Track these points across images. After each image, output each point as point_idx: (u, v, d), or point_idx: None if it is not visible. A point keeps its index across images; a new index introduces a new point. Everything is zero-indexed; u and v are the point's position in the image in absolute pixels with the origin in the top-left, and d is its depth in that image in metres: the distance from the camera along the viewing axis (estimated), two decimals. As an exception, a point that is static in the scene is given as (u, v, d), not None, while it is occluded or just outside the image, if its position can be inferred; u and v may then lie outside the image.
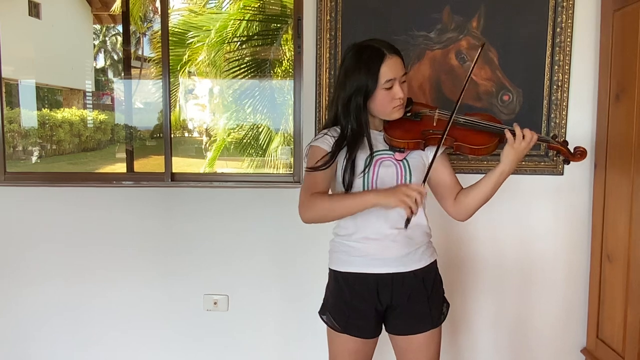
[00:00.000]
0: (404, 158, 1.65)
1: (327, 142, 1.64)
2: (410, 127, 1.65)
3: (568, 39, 2.44)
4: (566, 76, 2.46)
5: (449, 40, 2.48)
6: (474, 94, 2.49)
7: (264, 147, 5.49)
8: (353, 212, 1.57)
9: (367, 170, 1.62)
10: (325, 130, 1.68)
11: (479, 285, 2.61)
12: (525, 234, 2.58)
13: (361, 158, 1.62)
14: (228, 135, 5.92)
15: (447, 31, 2.47)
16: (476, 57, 1.63)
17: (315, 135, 1.76)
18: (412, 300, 1.68)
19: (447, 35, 2.48)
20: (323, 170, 1.60)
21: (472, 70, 1.61)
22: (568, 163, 1.63)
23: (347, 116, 1.62)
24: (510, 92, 2.49)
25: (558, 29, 2.44)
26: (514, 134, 1.56)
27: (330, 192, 1.69)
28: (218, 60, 5.46)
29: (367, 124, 1.63)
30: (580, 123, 2.51)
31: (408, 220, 1.49)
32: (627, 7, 2.22)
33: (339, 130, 1.65)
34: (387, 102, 1.60)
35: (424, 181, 1.53)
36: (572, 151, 1.60)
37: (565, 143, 1.62)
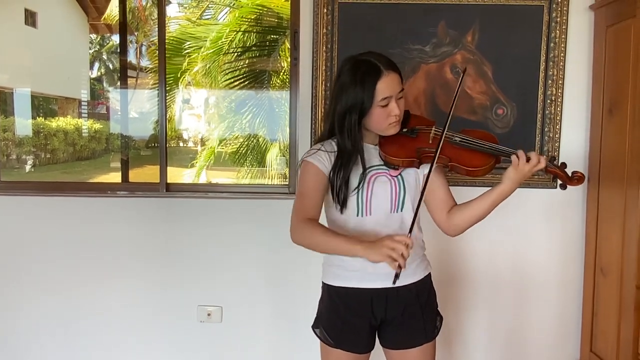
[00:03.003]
0: (399, 174, 1.65)
1: (319, 159, 1.62)
2: (405, 143, 1.63)
3: (562, 54, 2.47)
4: (560, 91, 2.49)
5: (443, 54, 2.50)
6: (468, 108, 2.51)
7: (259, 157, 5.49)
8: (338, 254, 1.56)
9: (361, 186, 1.61)
10: (319, 145, 1.66)
11: (473, 299, 2.61)
12: (519, 247, 2.59)
13: (355, 174, 1.61)
14: (219, 144, 5.91)
15: (442, 45, 2.50)
16: (459, 82, 1.62)
17: (310, 148, 1.74)
18: (407, 314, 1.68)
19: (442, 49, 2.50)
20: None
21: (456, 95, 1.61)
22: (565, 188, 1.58)
23: (342, 133, 1.59)
24: (504, 105, 2.51)
25: (552, 44, 2.47)
26: (517, 157, 1.53)
27: (326, 207, 1.68)
28: (213, 71, 5.47)
29: (360, 140, 1.61)
30: (573, 137, 2.53)
31: (397, 276, 1.41)
32: (620, 23, 2.25)
33: (333, 144, 1.64)
34: (382, 119, 1.58)
35: (410, 230, 1.46)
36: (570, 175, 1.58)
37: (563, 166, 1.59)
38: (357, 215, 1.62)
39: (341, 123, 1.59)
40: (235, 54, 5.25)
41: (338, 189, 1.59)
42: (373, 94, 1.54)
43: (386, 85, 1.54)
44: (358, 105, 1.55)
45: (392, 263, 1.38)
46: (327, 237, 1.52)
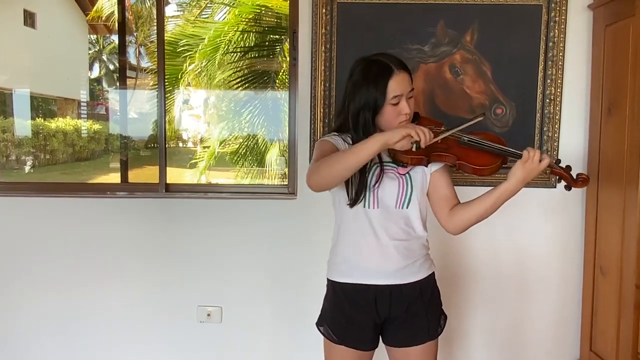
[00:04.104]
0: (407, 172, 1.66)
1: (337, 140, 1.65)
2: None
3: (560, 54, 2.47)
4: (559, 90, 2.49)
5: (442, 54, 2.50)
6: (467, 107, 2.51)
7: (259, 158, 5.48)
8: (363, 159, 1.47)
9: (371, 179, 1.62)
10: (337, 134, 1.69)
11: (474, 298, 2.61)
12: (519, 247, 2.59)
13: (369, 171, 1.63)
14: (220, 144, 5.90)
15: (441, 45, 2.50)
16: (473, 120, 1.64)
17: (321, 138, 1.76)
18: (410, 312, 1.68)
19: (441, 49, 2.50)
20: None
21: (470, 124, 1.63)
22: (569, 189, 1.61)
23: (357, 130, 1.63)
24: (503, 105, 2.51)
25: (550, 44, 2.47)
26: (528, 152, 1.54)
27: (333, 203, 1.72)
28: (211, 70, 5.46)
29: None
30: (572, 137, 2.53)
31: (417, 144, 1.45)
32: (619, 23, 2.26)
33: (348, 139, 1.66)
34: (393, 118, 1.61)
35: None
36: (574, 177, 1.60)
37: (569, 168, 1.61)
38: (364, 206, 1.64)
39: (355, 121, 1.63)
40: (236, 54, 5.24)
41: (355, 187, 1.61)
42: (385, 92, 1.58)
43: (397, 83, 1.58)
44: (371, 104, 1.60)
45: (410, 139, 1.45)
46: (345, 151, 1.54)
